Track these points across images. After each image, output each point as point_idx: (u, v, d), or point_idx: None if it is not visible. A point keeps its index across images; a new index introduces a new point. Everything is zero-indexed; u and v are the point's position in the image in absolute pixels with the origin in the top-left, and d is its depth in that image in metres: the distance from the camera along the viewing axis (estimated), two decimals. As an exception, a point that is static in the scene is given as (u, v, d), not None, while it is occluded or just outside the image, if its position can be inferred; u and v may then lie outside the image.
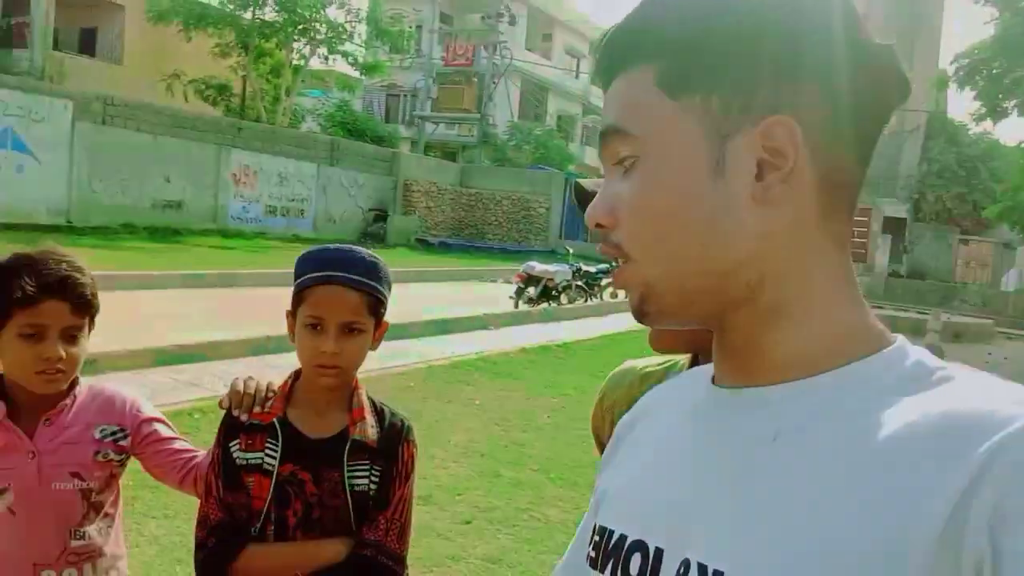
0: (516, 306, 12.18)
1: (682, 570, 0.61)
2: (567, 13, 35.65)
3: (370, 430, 1.47)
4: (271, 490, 1.42)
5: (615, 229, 0.65)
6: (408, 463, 1.51)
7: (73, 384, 1.62)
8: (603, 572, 0.69)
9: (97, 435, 1.61)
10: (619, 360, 1.37)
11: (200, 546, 1.44)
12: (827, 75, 0.60)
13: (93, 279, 1.59)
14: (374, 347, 1.51)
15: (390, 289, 1.51)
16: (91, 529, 1.60)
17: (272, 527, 1.43)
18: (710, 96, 0.61)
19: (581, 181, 1.16)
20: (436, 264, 16.72)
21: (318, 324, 1.42)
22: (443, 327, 9.40)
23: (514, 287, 12.71)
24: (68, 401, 1.60)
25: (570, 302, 13.04)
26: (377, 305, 1.47)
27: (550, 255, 18.25)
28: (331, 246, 1.53)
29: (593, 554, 0.71)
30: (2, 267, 1.53)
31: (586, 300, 13.56)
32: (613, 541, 0.69)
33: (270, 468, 1.42)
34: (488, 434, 5.55)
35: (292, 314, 1.47)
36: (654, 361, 1.23)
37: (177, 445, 1.68)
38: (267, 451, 1.43)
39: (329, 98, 29.00)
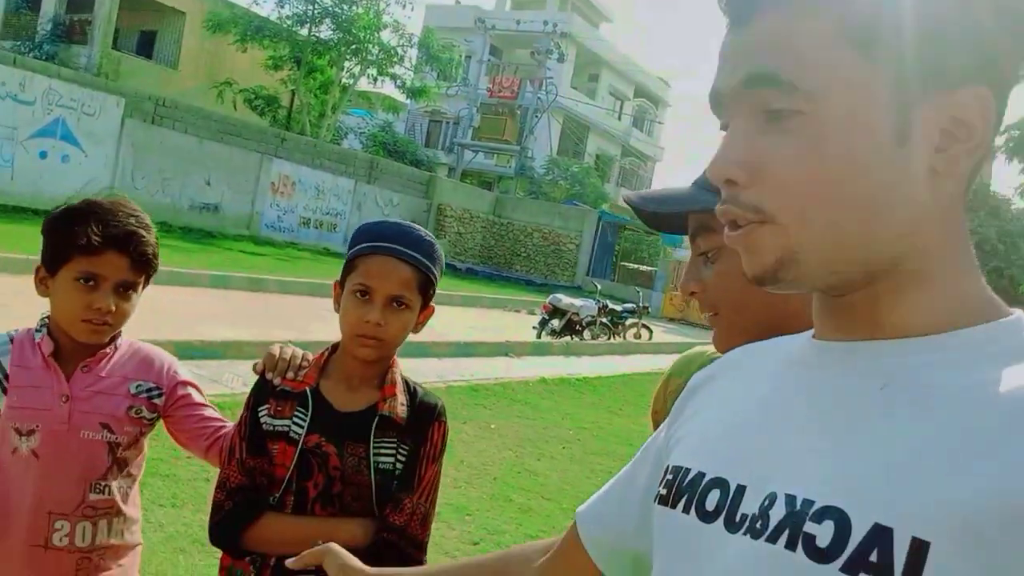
0: (539, 336, 12.13)
1: (766, 502, 0.59)
2: (615, 55, 36.00)
3: (400, 407, 1.44)
4: (294, 459, 1.39)
5: (750, 187, 0.59)
6: (439, 443, 1.46)
7: (114, 337, 1.61)
8: (674, 507, 0.67)
9: (132, 390, 1.59)
10: (639, 398, 1.35)
11: (217, 508, 1.42)
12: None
13: (156, 240, 1.59)
14: (416, 329, 1.48)
15: (441, 272, 1.49)
16: (113, 484, 1.57)
17: (292, 497, 1.40)
18: (906, 53, 0.56)
19: (630, 195, 1.13)
20: (462, 289, 16.75)
21: (366, 293, 1.39)
22: (465, 350, 9.37)
23: (538, 318, 12.67)
24: (108, 351, 1.59)
25: (593, 338, 12.95)
26: (427, 284, 1.44)
27: (576, 291, 18.20)
28: (390, 219, 1.52)
29: (664, 492, 0.69)
30: (72, 210, 1.53)
31: (609, 338, 13.46)
32: (689, 478, 0.67)
33: (296, 436, 1.40)
34: (501, 459, 5.49)
35: (340, 284, 1.46)
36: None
37: (207, 413, 1.66)
38: (295, 419, 1.41)
39: (373, 118, 29.46)
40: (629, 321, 14.04)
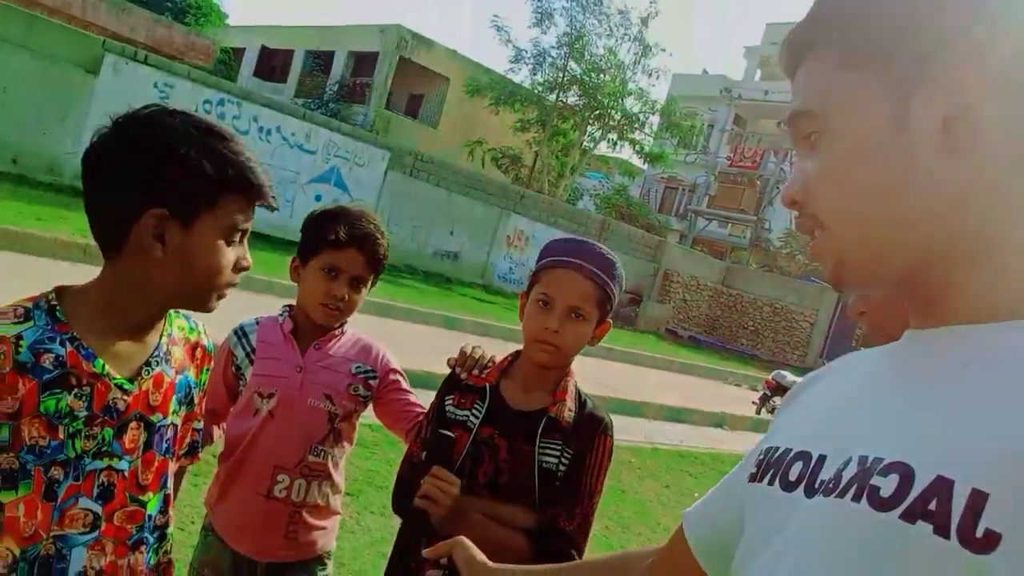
0: (758, 412, 11.50)
1: (842, 465, 0.62)
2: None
3: (567, 412, 1.52)
4: (467, 445, 1.51)
5: (806, 204, 0.69)
6: (605, 457, 1.53)
7: (343, 325, 1.87)
8: (761, 482, 0.71)
9: (353, 370, 1.84)
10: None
11: (399, 479, 1.59)
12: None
13: (387, 245, 1.84)
14: (593, 343, 1.57)
15: (621, 290, 1.57)
16: (328, 451, 1.80)
17: (464, 481, 1.50)
18: (891, 57, 0.63)
19: None
20: (683, 356, 16.38)
21: (547, 302, 1.50)
22: (677, 415, 9.15)
23: (759, 393, 12.04)
24: (336, 334, 1.85)
25: (819, 423, 12.04)
26: (605, 300, 1.53)
27: (804, 371, 17.02)
28: (576, 237, 1.64)
29: (754, 470, 0.74)
30: (327, 212, 1.83)
31: (838, 425, 12.43)
32: (776, 455, 0.72)
33: (472, 426, 1.52)
34: (702, 528, 5.27)
35: (526, 294, 1.58)
36: None
37: (411, 399, 1.87)
38: (474, 410, 1.54)
39: (609, 182, 30.10)
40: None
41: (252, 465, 1.77)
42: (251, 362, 1.81)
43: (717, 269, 24.80)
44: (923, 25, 0.62)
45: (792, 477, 0.67)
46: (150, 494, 1.21)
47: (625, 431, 7.21)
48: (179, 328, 1.30)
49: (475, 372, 1.58)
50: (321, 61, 27.45)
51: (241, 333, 1.85)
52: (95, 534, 1.14)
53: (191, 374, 1.30)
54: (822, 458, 0.65)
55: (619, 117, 23.37)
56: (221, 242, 1.15)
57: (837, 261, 0.68)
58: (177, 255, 1.13)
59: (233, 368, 1.83)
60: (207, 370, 1.37)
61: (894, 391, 0.66)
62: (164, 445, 1.22)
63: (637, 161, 27.03)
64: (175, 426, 1.25)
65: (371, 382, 1.86)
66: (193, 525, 2.84)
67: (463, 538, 1.12)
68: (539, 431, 1.49)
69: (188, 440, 1.36)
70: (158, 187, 1.11)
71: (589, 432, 1.52)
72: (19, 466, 1.08)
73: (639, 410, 8.31)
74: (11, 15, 11.62)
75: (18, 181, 11.09)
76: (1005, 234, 0.62)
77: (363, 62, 25.98)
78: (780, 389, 11.74)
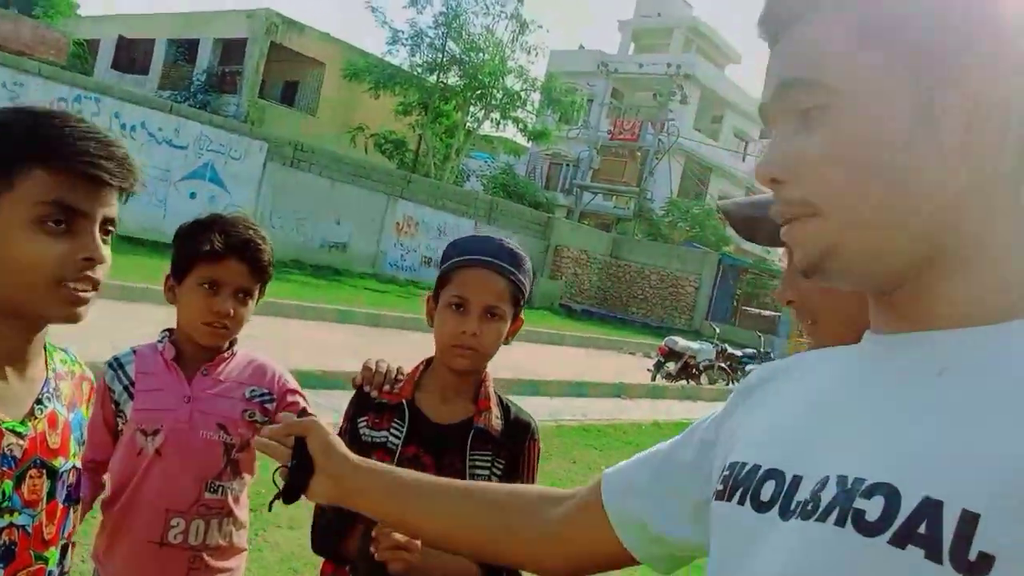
0: (653, 379, 11.91)
1: (818, 486, 0.59)
2: (740, 96, 35.45)
3: (495, 421, 1.48)
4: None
5: (793, 184, 0.63)
6: (534, 461, 1.50)
7: (232, 344, 1.74)
8: (730, 500, 0.68)
9: (247, 395, 1.71)
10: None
11: (318, 516, 1.48)
12: None
13: (271, 251, 1.72)
14: (507, 341, 1.52)
15: (531, 284, 1.54)
16: (226, 485, 1.68)
17: None
18: (917, 43, 0.58)
19: (725, 203, 1.13)
20: (577, 330, 16.71)
21: (462, 305, 1.44)
22: (577, 389, 9.33)
23: (653, 361, 12.46)
24: (226, 356, 1.72)
25: (711, 383, 12.59)
26: (518, 295, 1.49)
27: (694, 335, 17.77)
28: (481, 234, 1.59)
29: (720, 487, 0.70)
30: (199, 222, 1.68)
31: (728, 383, 13.04)
32: (745, 471, 0.68)
33: (394, 447, 1.44)
34: (608, 501, 5.40)
35: (434, 297, 1.51)
36: None
37: None
38: (392, 431, 1.46)
39: (495, 162, 30.19)
40: (750, 367, 13.56)
41: (141, 510, 1.63)
42: (131, 396, 1.66)
43: (605, 241, 25.40)
44: (954, 14, 0.58)
45: (764, 497, 0.64)
46: (52, 548, 1.09)
47: (529, 410, 7.29)
48: (61, 361, 1.16)
49: (386, 388, 1.50)
50: (186, 50, 26.07)
51: (116, 365, 1.69)
52: None
53: (83, 410, 1.18)
54: (797, 479, 0.62)
55: (500, 96, 23.41)
56: (30, 229, 0.96)
57: (827, 250, 0.62)
58: None
59: (112, 405, 1.68)
60: (91, 403, 1.23)
61: (865, 402, 0.63)
62: (65, 492, 1.10)
63: (521, 139, 27.22)
64: (77, 470, 1.13)
65: (268, 406, 1.73)
66: None
67: (317, 421, 1.02)
68: (468, 443, 1.44)
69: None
70: None
71: (519, 439, 1.49)
72: None
73: (540, 388, 8.42)
74: None
75: None
76: (989, 238, 0.60)
77: (231, 49, 24.83)
78: (673, 355, 12.19)
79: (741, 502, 0.66)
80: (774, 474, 0.64)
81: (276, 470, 1.01)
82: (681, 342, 12.41)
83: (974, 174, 0.59)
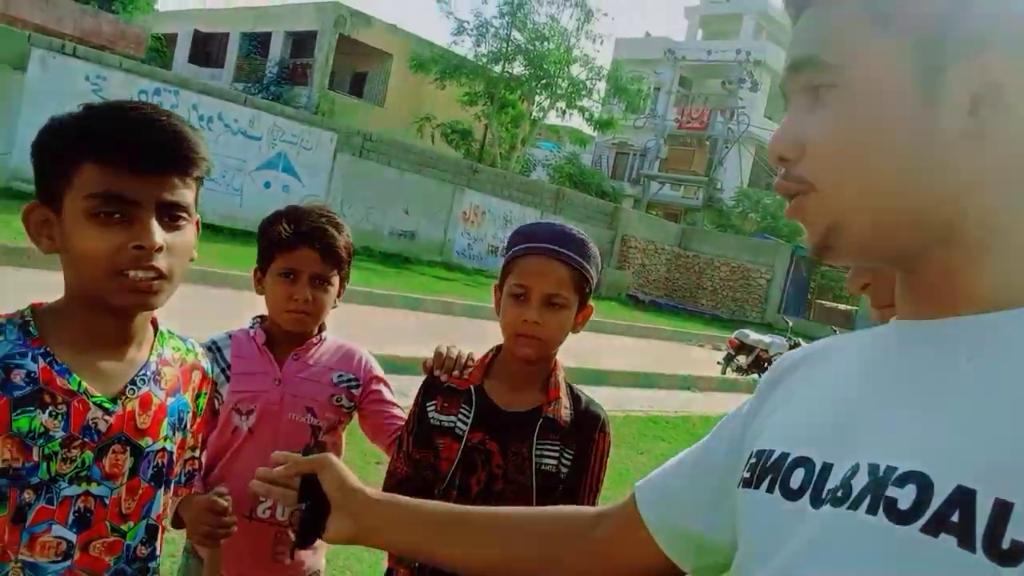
0: (723, 372, 11.69)
1: (849, 473, 0.59)
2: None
3: (564, 411, 1.45)
4: (458, 454, 1.43)
5: (798, 161, 0.63)
6: (603, 454, 1.47)
7: (321, 330, 1.78)
8: (758, 488, 0.67)
9: (335, 379, 1.75)
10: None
11: (385, 491, 1.48)
12: None
13: (349, 238, 1.75)
14: (576, 329, 1.49)
15: (598, 271, 1.50)
16: None
17: (455, 492, 1.43)
18: (925, 24, 0.58)
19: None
20: (644, 321, 16.52)
21: (522, 294, 1.43)
22: (645, 380, 9.22)
23: (723, 353, 12.22)
24: (315, 341, 1.76)
25: (783, 377, 12.28)
26: (582, 283, 1.45)
27: (766, 328, 17.35)
28: (543, 221, 1.55)
29: (747, 475, 0.70)
30: (276, 213, 1.74)
31: (801, 378, 12.71)
32: (772, 460, 0.67)
33: (460, 433, 1.44)
34: (680, 493, 5.32)
35: (499, 287, 1.50)
36: None
37: (395, 411, 1.78)
38: (460, 416, 1.45)
39: (560, 151, 30.06)
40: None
41: (233, 484, 1.67)
42: (227, 379, 1.72)
43: (673, 232, 25.04)
44: None
45: (795, 485, 0.64)
46: (131, 523, 1.12)
47: (598, 401, 7.23)
48: (173, 348, 1.21)
49: (455, 373, 1.50)
50: (258, 43, 26.73)
51: (215, 348, 1.74)
52: (67, 563, 1.06)
53: (186, 397, 1.21)
54: (828, 466, 0.62)
55: (566, 85, 23.29)
56: (87, 221, 1.00)
57: (830, 227, 0.63)
58: (62, 247, 1.04)
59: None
60: (205, 395, 1.27)
61: (895, 390, 0.62)
62: (151, 471, 1.14)
63: (587, 129, 27.02)
64: (168, 452, 1.16)
65: (354, 391, 1.76)
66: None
67: (331, 456, 0.98)
68: (535, 432, 1.43)
69: (186, 469, 1.28)
70: (38, 181, 1.05)
71: (588, 430, 1.46)
72: None
73: (606, 378, 8.34)
74: (-75, 11, 11.03)
75: (-52, 186, 10.59)
76: (1012, 223, 0.60)
77: (302, 42, 25.37)
78: (744, 348, 11.93)
79: (770, 490, 0.65)
80: (803, 461, 0.64)
81: (289, 514, 0.99)
82: (752, 335, 12.12)
83: (989, 158, 0.58)
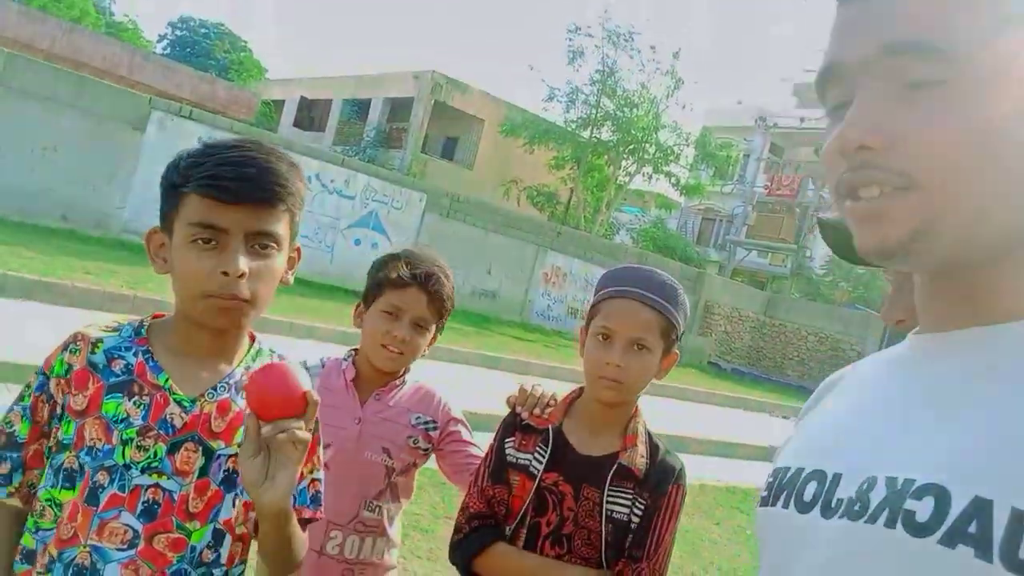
0: (808, 446, 11.20)
1: (865, 485, 0.59)
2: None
3: (639, 459, 1.43)
4: (531, 493, 1.43)
5: (889, 152, 0.57)
6: (676, 506, 1.44)
7: (404, 373, 1.81)
8: (774, 505, 0.67)
9: (413, 421, 1.77)
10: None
11: (457, 529, 1.50)
12: None
13: (453, 288, 1.80)
14: (659, 376, 1.48)
15: (686, 318, 1.49)
16: (383, 506, 1.73)
17: (524, 531, 1.43)
18: None
19: (829, 216, 1.09)
20: (727, 389, 16.08)
21: (608, 335, 1.42)
22: (724, 450, 8.96)
23: (809, 426, 11.73)
24: (397, 383, 1.79)
25: (873, 455, 11.68)
26: (669, 329, 1.45)
27: (856, 402, 16.56)
28: (633, 264, 1.56)
29: (765, 493, 0.69)
30: (392, 253, 1.82)
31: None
32: (788, 476, 0.67)
33: (535, 472, 1.43)
34: (755, 567, 5.11)
35: (585, 329, 1.50)
36: None
37: (473, 451, 1.78)
38: (536, 455, 1.45)
39: (645, 216, 30.03)
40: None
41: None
42: None
43: (758, 299, 24.44)
44: None
45: (807, 498, 0.63)
46: (198, 524, 1.15)
47: (671, 468, 7.07)
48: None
49: (536, 412, 1.49)
50: (358, 108, 28.09)
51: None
52: (131, 552, 1.11)
53: None
54: (837, 476, 0.62)
55: (653, 150, 23.38)
56: (188, 246, 1.12)
57: (915, 231, 0.57)
58: (171, 268, 1.16)
59: None
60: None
61: (911, 402, 0.61)
62: (221, 475, 1.17)
63: (673, 194, 26.95)
64: None
65: (431, 433, 1.78)
66: None
67: None
68: (608, 478, 1.41)
69: (311, 492, 1.28)
70: (160, 209, 1.19)
71: (663, 481, 1.43)
72: (78, 466, 1.11)
73: (685, 445, 8.14)
74: (62, 77, 12.15)
75: (68, 236, 11.45)
76: None
77: (399, 107, 26.51)
78: (830, 421, 11.42)
79: (785, 505, 0.65)
80: (816, 475, 0.64)
81: None
82: (840, 407, 11.63)
83: None
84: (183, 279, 1.14)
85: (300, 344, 8.67)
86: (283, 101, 30.86)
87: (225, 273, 1.11)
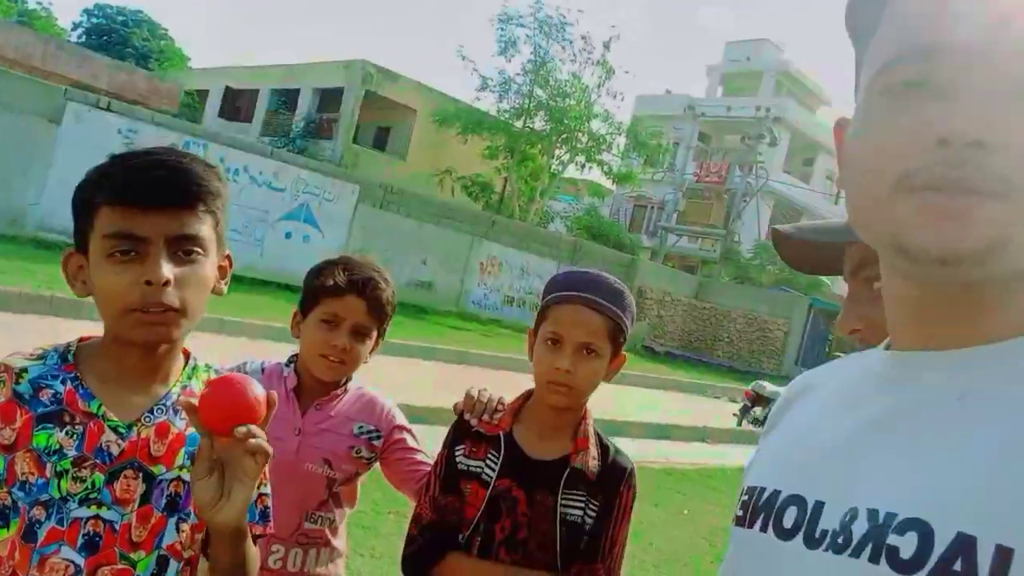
0: (739, 424, 11.56)
1: (847, 517, 0.58)
2: (832, 139, 34.49)
3: (592, 461, 1.44)
4: (484, 501, 1.42)
5: (1000, 155, 0.53)
6: (629, 506, 1.46)
7: (347, 381, 1.76)
8: (751, 527, 0.66)
9: (355, 431, 1.72)
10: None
11: (409, 541, 1.48)
12: None
13: (393, 293, 1.76)
14: (607, 378, 1.49)
15: (633, 321, 1.50)
16: (325, 517, 1.69)
17: (479, 539, 1.42)
18: None
19: (784, 227, 1.10)
20: (660, 372, 16.42)
21: (557, 341, 1.42)
22: (660, 432, 9.16)
23: (739, 405, 12.10)
24: (339, 392, 1.74)
25: (801, 431, 12.12)
26: (617, 332, 1.45)
27: (783, 380, 17.16)
28: (580, 269, 1.56)
29: (741, 513, 0.68)
30: (328, 260, 1.76)
31: (819, 433, 12.52)
32: (764, 498, 0.66)
33: (487, 479, 1.43)
34: (693, 546, 5.26)
35: (534, 333, 1.50)
36: None
37: (419, 458, 1.75)
38: (488, 462, 1.44)
39: (579, 204, 30.31)
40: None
41: None
42: None
43: (690, 283, 25.00)
44: None
45: (787, 524, 0.62)
46: (142, 553, 1.11)
47: (609, 452, 7.18)
48: (203, 383, 1.20)
49: (485, 418, 1.48)
50: (286, 99, 27.44)
51: None
52: None
53: None
54: (820, 505, 0.61)
55: (586, 139, 23.58)
56: (105, 261, 1.06)
57: (995, 242, 0.54)
58: (92, 288, 1.10)
59: None
60: None
61: (887, 429, 0.61)
62: (164, 501, 1.13)
63: (606, 182, 27.26)
64: (184, 482, 1.15)
65: (375, 443, 1.74)
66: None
67: None
68: (561, 482, 1.41)
69: (259, 508, 1.25)
70: (74, 230, 1.12)
71: (615, 482, 1.44)
72: (11, 503, 1.06)
73: (622, 430, 8.29)
74: (-31, 68, 11.52)
75: (-20, 235, 10.90)
76: None
77: (329, 98, 26.02)
78: (760, 399, 11.81)
79: (763, 529, 0.64)
80: (795, 500, 0.63)
81: None
82: (769, 387, 12.01)
83: None
84: (105, 296, 1.08)
85: (231, 342, 8.48)
86: (207, 91, 29.93)
87: (149, 282, 1.05)
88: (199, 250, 1.10)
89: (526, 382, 1.55)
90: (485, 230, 18.95)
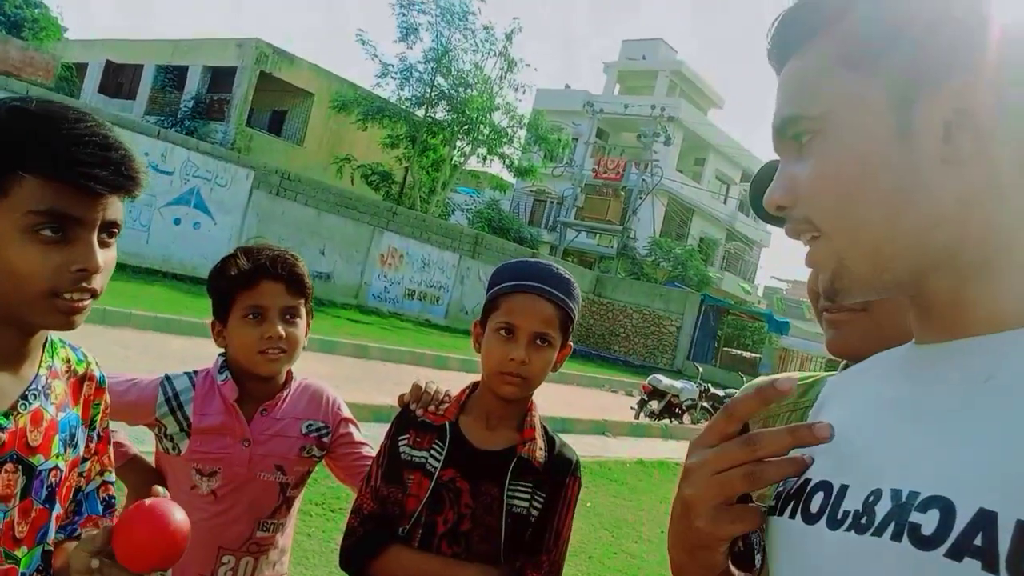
0: (636, 417, 11.87)
1: (871, 498, 0.59)
2: (723, 139, 36.05)
3: (539, 452, 1.43)
4: (428, 491, 1.40)
5: (796, 207, 0.66)
6: (574, 498, 1.45)
7: (289, 377, 1.69)
8: (782, 515, 0.68)
9: (304, 430, 1.66)
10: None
11: (349, 533, 1.44)
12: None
13: (305, 266, 1.67)
14: (555, 368, 1.48)
15: (578, 310, 1.50)
16: (277, 522, 1.63)
17: (420, 531, 1.39)
18: (893, 62, 0.61)
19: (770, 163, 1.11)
20: (560, 366, 16.67)
21: (511, 330, 1.40)
22: (561, 426, 9.26)
23: (636, 399, 12.43)
24: (283, 393, 1.66)
25: (693, 422, 12.57)
26: (567, 322, 1.45)
27: (676, 374, 17.79)
28: (530, 259, 1.54)
29: (773, 502, 0.70)
30: (224, 257, 1.65)
31: (710, 424, 13.02)
32: (796, 485, 0.68)
33: (432, 470, 1.40)
34: (597, 538, 5.34)
35: (481, 324, 1.48)
36: (812, 374, 1.13)
37: (365, 451, 1.70)
38: (432, 452, 1.42)
39: (480, 197, 30.34)
40: (731, 408, 13.54)
41: (193, 547, 1.57)
42: (187, 435, 1.59)
43: (587, 278, 25.50)
44: (926, 29, 0.60)
45: (813, 508, 0.64)
46: (25, 548, 1.04)
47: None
48: (63, 360, 1.13)
49: (431, 409, 1.46)
50: (174, 77, 26.12)
51: (174, 403, 1.60)
52: None
53: (77, 412, 1.13)
54: (844, 488, 0.63)
55: (487, 132, 23.61)
56: (25, 238, 0.94)
57: (834, 272, 0.65)
58: None
59: (167, 440, 1.61)
60: (99, 405, 1.18)
61: (913, 414, 0.63)
62: (44, 493, 1.06)
63: (507, 175, 27.42)
64: (59, 470, 1.08)
65: (324, 439, 1.69)
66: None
67: None
68: (508, 473, 1.40)
69: (102, 496, 1.20)
70: None
71: (561, 473, 1.44)
72: None
73: (525, 424, 8.36)
74: None
75: None
76: (1012, 240, 0.61)
77: (220, 77, 24.91)
78: (656, 393, 12.17)
79: (792, 515, 0.66)
80: (823, 485, 0.65)
81: None
82: (665, 381, 12.40)
83: (975, 179, 0.60)
84: (15, 276, 0.95)
85: (116, 333, 8.00)
86: (86, 64, 28.10)
87: (83, 270, 0.98)
88: (117, 233, 1.05)
89: (424, 374, 1.49)
90: (386, 221, 18.68)
